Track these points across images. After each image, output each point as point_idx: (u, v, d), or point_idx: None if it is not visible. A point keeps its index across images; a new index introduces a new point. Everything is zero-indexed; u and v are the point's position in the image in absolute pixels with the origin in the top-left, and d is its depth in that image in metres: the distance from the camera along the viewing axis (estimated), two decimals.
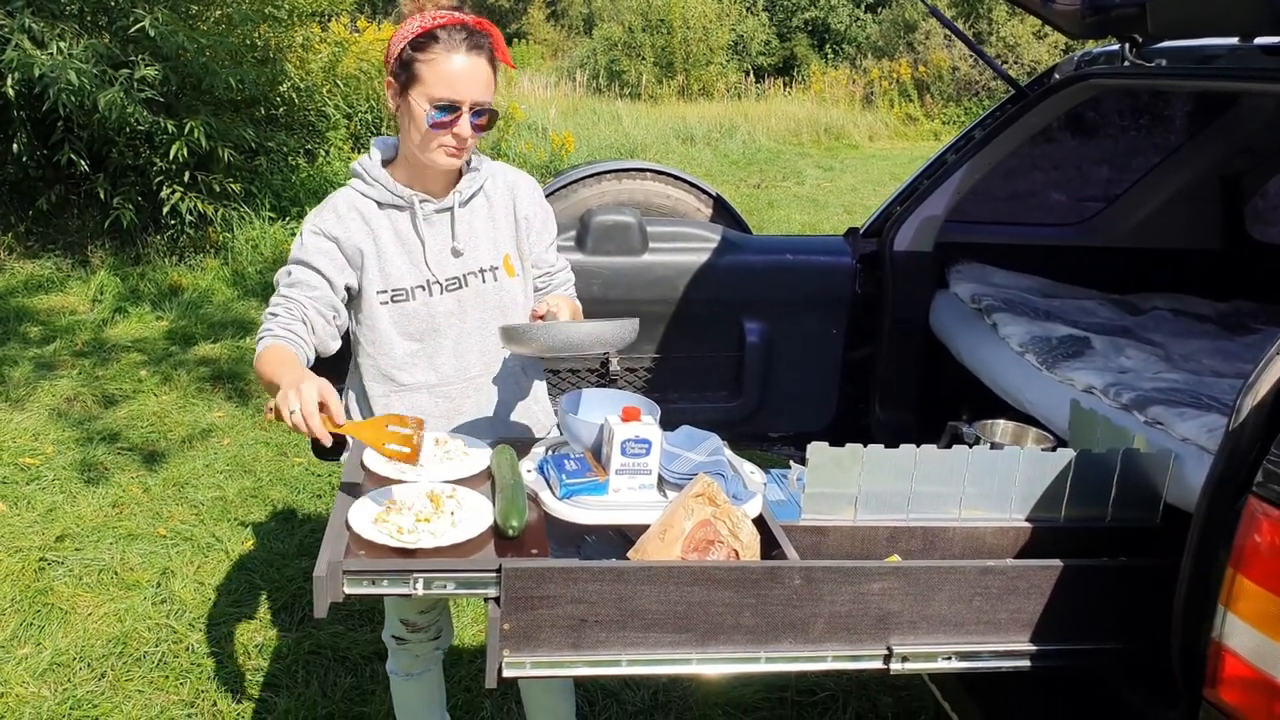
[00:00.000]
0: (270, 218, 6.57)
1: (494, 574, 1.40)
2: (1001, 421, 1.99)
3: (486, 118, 1.73)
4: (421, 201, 1.81)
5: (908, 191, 2.63)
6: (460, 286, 1.85)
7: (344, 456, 1.87)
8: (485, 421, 1.94)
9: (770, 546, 1.61)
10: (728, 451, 1.76)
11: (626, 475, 1.60)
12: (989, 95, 15.99)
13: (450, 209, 1.83)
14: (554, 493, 1.60)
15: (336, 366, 1.88)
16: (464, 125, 1.71)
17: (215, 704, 2.53)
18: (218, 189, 6.17)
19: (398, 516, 1.48)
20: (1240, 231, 3.02)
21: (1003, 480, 1.70)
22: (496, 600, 1.41)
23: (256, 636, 2.80)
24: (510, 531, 1.49)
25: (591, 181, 2.64)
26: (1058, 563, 1.57)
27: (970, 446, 1.76)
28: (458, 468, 1.70)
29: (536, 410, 2.02)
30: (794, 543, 1.61)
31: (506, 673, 1.42)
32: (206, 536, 3.31)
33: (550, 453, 1.75)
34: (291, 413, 1.45)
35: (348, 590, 1.40)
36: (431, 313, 1.84)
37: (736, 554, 1.53)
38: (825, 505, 1.68)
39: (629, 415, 1.61)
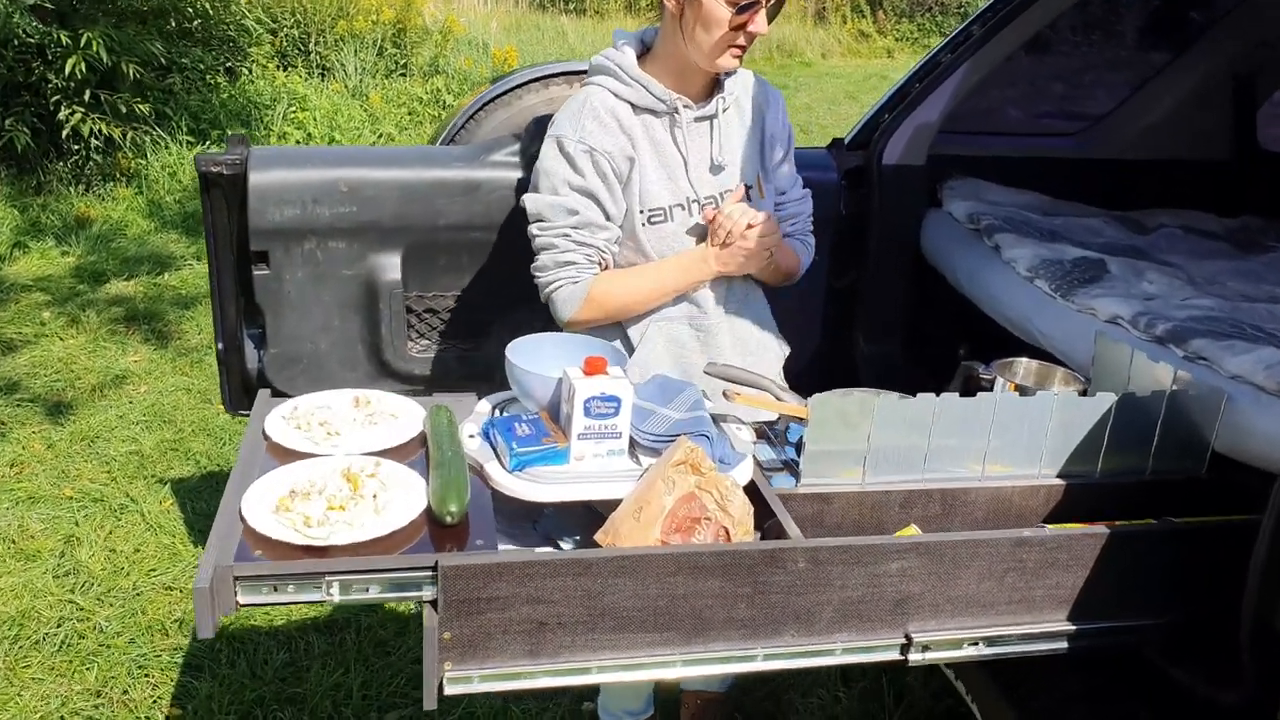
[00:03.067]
0: (188, 142, 6.06)
1: (429, 572, 1.13)
2: (1023, 360, 1.74)
3: (776, 9, 1.61)
4: (685, 107, 1.64)
5: (898, 97, 2.33)
6: (718, 206, 1.68)
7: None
8: (742, 360, 1.75)
9: (764, 518, 1.35)
10: (710, 404, 1.48)
11: (591, 440, 1.31)
12: (942, 11, 15.58)
13: (712, 117, 1.66)
14: (503, 464, 1.31)
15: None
16: (761, 22, 1.58)
17: (126, 691, 2.26)
18: (124, 110, 5.64)
19: (304, 504, 1.18)
20: (1251, 140, 2.78)
21: (1033, 431, 1.45)
22: (434, 604, 1.14)
23: (175, 610, 2.53)
24: (449, 518, 1.20)
25: (538, 86, 2.28)
26: (1103, 529, 1.33)
27: (990, 390, 1.51)
28: (382, 434, 1.39)
29: (783, 354, 1.88)
30: (793, 513, 1.35)
31: (449, 689, 1.16)
32: (119, 497, 3.00)
33: (498, 413, 1.45)
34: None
35: (242, 600, 1.11)
36: (691, 236, 1.68)
37: (727, 532, 1.27)
38: (828, 466, 1.42)
39: (592, 367, 1.32)
